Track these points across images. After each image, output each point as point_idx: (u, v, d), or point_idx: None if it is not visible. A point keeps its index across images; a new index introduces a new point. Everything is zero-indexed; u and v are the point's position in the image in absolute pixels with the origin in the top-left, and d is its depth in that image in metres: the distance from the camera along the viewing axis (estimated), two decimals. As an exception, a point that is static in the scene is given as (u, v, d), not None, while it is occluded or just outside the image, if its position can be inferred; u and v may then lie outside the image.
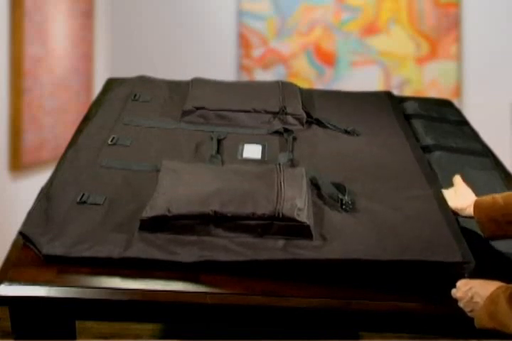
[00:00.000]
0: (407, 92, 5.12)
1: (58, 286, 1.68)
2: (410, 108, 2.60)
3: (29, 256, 1.74)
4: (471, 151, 2.36)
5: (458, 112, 2.71)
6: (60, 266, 1.71)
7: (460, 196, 1.97)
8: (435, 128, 2.46)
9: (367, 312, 1.71)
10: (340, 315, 1.74)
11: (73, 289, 1.68)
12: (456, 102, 3.29)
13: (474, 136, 2.51)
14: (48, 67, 4.25)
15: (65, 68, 4.50)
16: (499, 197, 1.89)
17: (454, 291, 1.67)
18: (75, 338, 1.79)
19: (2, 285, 1.67)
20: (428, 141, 2.34)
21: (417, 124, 2.46)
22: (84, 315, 1.76)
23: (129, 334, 2.69)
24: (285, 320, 1.75)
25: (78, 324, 1.79)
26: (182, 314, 1.75)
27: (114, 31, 5.29)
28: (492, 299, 1.59)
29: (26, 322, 1.73)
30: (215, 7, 5.31)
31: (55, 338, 1.72)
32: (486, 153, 2.40)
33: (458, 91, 5.18)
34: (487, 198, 1.91)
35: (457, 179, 2.03)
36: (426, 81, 5.25)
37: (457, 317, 1.69)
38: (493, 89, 5.13)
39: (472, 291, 1.63)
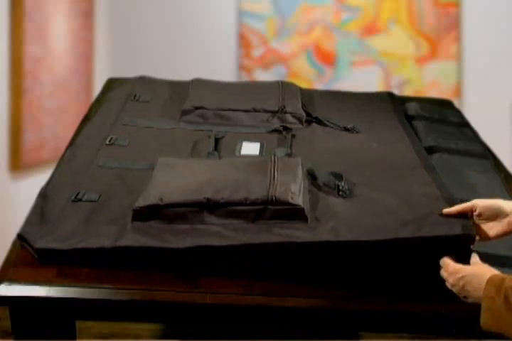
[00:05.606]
0: (407, 92, 5.11)
1: (58, 286, 1.68)
2: (411, 109, 2.59)
3: (29, 256, 1.73)
4: (471, 153, 2.36)
5: (459, 113, 2.71)
6: (60, 266, 1.71)
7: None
8: (436, 130, 2.46)
9: (367, 312, 1.71)
10: (340, 315, 1.74)
11: (73, 289, 1.68)
12: (456, 102, 3.29)
13: (475, 137, 2.51)
14: (47, 67, 4.25)
15: (65, 68, 4.49)
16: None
17: (444, 274, 1.64)
18: (75, 338, 1.79)
19: (2, 285, 1.67)
20: (429, 142, 2.34)
21: (419, 126, 2.46)
22: (84, 315, 1.76)
23: (129, 334, 2.69)
24: (285, 320, 1.75)
25: (78, 324, 1.78)
26: (182, 314, 1.75)
27: (114, 31, 5.28)
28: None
29: (26, 322, 1.73)
30: (215, 7, 5.31)
31: (55, 338, 1.72)
32: (487, 154, 2.39)
33: (458, 91, 5.18)
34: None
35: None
36: (426, 81, 5.25)
37: (457, 317, 1.70)
38: (493, 89, 5.13)
39: (464, 280, 1.59)
